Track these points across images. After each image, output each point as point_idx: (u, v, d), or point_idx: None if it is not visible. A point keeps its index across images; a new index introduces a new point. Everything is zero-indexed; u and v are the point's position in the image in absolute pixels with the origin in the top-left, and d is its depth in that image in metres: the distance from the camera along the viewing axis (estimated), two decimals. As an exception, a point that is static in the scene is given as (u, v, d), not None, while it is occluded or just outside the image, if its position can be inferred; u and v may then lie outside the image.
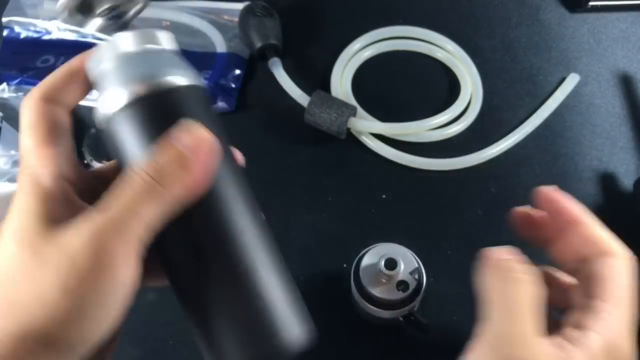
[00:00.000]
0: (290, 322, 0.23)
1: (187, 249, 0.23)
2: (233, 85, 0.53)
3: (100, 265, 0.20)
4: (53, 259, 0.20)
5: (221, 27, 0.56)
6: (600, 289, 0.25)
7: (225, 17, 0.57)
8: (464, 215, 0.47)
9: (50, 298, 0.20)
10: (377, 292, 0.36)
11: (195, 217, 0.22)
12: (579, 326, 0.24)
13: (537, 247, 0.30)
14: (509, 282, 0.25)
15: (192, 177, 0.21)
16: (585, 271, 0.27)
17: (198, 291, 0.23)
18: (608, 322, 0.24)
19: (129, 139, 0.22)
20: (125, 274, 0.21)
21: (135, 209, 0.20)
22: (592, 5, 0.58)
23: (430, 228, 0.46)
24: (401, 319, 0.37)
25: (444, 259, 0.45)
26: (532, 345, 0.23)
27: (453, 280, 0.44)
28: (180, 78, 0.23)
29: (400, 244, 0.46)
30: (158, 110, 0.22)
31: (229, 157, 0.25)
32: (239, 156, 0.27)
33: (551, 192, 0.29)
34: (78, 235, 0.20)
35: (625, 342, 0.24)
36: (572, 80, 0.53)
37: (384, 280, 0.36)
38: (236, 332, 0.22)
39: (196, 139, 0.21)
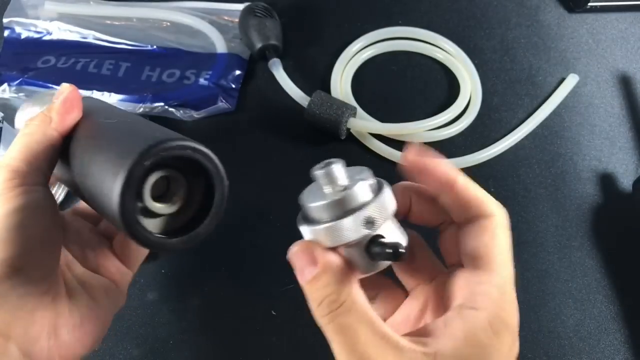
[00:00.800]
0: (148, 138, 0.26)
1: (79, 146, 0.29)
2: (233, 86, 0.53)
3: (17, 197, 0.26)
4: None
5: (221, 27, 0.56)
6: (484, 258, 0.25)
7: (226, 17, 0.57)
8: (464, 215, 0.47)
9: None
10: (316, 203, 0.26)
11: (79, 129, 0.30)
12: (466, 305, 0.24)
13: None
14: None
15: (55, 107, 0.29)
16: (468, 235, 0.26)
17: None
18: (490, 294, 0.24)
19: None
20: (28, 197, 0.26)
21: (22, 144, 0.28)
22: (592, 6, 0.58)
23: (430, 228, 0.46)
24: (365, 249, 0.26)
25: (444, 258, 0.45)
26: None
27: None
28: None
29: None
30: None
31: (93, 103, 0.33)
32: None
33: (417, 159, 0.29)
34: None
35: (507, 311, 0.24)
36: (571, 81, 0.53)
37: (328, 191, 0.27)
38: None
39: (59, 91, 0.30)
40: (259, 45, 0.53)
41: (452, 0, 0.60)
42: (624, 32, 0.58)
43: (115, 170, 0.23)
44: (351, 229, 0.25)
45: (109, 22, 0.57)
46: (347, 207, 0.25)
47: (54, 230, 0.27)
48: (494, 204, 0.26)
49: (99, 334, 0.29)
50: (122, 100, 0.51)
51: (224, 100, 0.51)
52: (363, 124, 0.50)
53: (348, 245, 0.25)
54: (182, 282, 0.44)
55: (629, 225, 0.47)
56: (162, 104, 0.51)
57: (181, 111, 0.51)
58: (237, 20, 0.56)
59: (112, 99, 0.51)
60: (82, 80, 0.52)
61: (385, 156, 0.50)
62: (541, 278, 0.44)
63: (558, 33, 0.58)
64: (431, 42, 0.56)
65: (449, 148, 0.50)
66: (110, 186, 0.23)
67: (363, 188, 0.26)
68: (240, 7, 0.56)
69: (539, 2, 0.60)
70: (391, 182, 0.49)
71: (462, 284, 0.25)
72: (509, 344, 0.23)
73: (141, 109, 0.51)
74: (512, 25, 0.58)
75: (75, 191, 0.30)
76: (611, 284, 0.44)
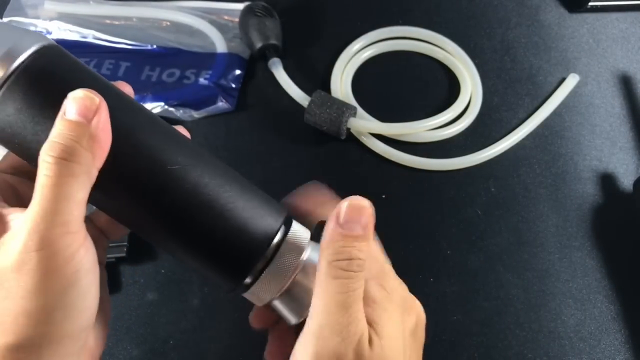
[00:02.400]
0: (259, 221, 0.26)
1: (129, 198, 0.24)
2: (233, 85, 0.53)
3: (55, 264, 0.20)
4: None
5: (221, 27, 0.56)
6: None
7: (226, 17, 0.57)
8: (464, 215, 0.47)
9: (19, 309, 0.21)
10: None
11: (117, 167, 0.23)
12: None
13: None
14: (336, 274, 0.24)
15: (95, 139, 0.22)
16: None
17: (162, 225, 0.24)
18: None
19: (21, 125, 0.22)
20: (83, 261, 0.22)
21: (64, 195, 0.21)
22: (592, 6, 0.58)
23: (430, 228, 0.47)
24: None
25: (444, 258, 0.45)
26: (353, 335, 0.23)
27: (453, 280, 0.44)
28: (31, 43, 0.22)
29: (399, 243, 0.46)
30: (31, 88, 0.22)
31: (116, 95, 0.25)
32: (127, 88, 0.28)
33: None
34: (21, 242, 0.20)
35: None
36: (571, 81, 0.53)
37: None
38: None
39: (82, 103, 0.22)
40: (259, 44, 0.53)
41: (453, 0, 0.60)
42: (624, 32, 0.58)
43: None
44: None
45: (108, 21, 0.57)
46: None
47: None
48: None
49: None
50: (122, 100, 0.51)
51: (223, 100, 0.51)
52: (363, 124, 0.49)
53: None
54: (182, 282, 0.44)
55: (629, 225, 0.47)
56: (162, 103, 0.51)
57: (181, 111, 0.51)
58: (237, 19, 0.56)
59: (112, 98, 0.51)
60: (82, 80, 0.52)
61: (385, 156, 0.50)
62: (541, 278, 0.44)
63: (558, 33, 0.58)
64: (431, 41, 0.56)
65: (449, 148, 0.50)
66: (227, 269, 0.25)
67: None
68: (240, 6, 0.56)
69: (540, 1, 0.60)
70: (390, 181, 0.49)
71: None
72: None
73: (141, 109, 0.51)
74: (513, 25, 0.58)
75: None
76: (612, 284, 0.44)
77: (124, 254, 0.43)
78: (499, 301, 0.43)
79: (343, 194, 0.48)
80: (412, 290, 0.44)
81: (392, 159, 0.49)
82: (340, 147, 0.50)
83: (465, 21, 0.58)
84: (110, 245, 0.43)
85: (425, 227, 0.47)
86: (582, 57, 0.56)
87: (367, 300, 0.24)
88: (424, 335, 0.28)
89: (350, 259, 0.23)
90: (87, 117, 0.22)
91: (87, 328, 0.23)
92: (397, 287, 0.27)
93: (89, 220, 0.29)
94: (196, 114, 0.51)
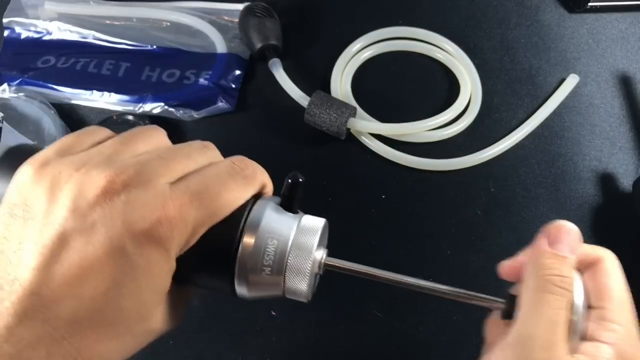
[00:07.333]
0: None
1: None
2: (233, 86, 0.53)
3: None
4: None
5: (221, 27, 0.56)
6: (603, 295, 0.25)
7: (226, 17, 0.58)
8: (464, 215, 0.47)
9: None
10: None
11: None
12: (592, 339, 0.24)
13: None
14: (549, 289, 0.25)
15: None
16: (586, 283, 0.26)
17: None
18: (617, 330, 0.24)
19: None
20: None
21: None
22: (592, 6, 0.58)
23: (430, 228, 0.47)
24: None
25: (443, 259, 0.45)
26: (558, 356, 0.23)
27: (453, 280, 0.44)
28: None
29: (400, 243, 0.46)
30: None
31: None
32: None
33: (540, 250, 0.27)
34: None
35: (635, 347, 0.24)
36: (571, 81, 0.53)
37: None
38: None
39: None
40: (259, 45, 0.53)
41: (452, 0, 0.60)
42: (624, 32, 0.58)
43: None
44: None
45: (108, 22, 0.57)
46: None
47: None
48: (601, 248, 0.27)
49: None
50: (122, 100, 0.51)
51: (223, 100, 0.51)
52: (363, 124, 0.50)
53: None
54: (182, 282, 0.44)
55: (629, 225, 0.47)
56: (162, 104, 0.51)
57: (181, 111, 0.51)
58: (237, 20, 0.56)
59: (112, 99, 0.51)
60: (82, 80, 0.52)
61: (385, 156, 0.50)
62: (541, 278, 0.44)
63: (558, 33, 0.58)
64: (431, 42, 0.56)
65: (449, 148, 0.50)
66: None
67: None
68: (240, 7, 0.56)
69: (539, 2, 0.60)
70: (390, 181, 0.49)
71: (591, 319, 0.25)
72: None
73: (141, 109, 0.51)
74: (512, 25, 0.58)
75: None
76: (611, 284, 0.44)
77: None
78: (499, 301, 0.43)
79: (343, 194, 0.48)
80: (412, 291, 0.44)
81: (392, 159, 0.49)
82: (340, 147, 0.51)
83: (465, 21, 0.58)
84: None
85: (425, 227, 0.47)
86: (581, 57, 0.56)
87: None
88: None
89: (561, 276, 0.24)
90: None
91: None
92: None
93: None
94: (196, 114, 0.51)
